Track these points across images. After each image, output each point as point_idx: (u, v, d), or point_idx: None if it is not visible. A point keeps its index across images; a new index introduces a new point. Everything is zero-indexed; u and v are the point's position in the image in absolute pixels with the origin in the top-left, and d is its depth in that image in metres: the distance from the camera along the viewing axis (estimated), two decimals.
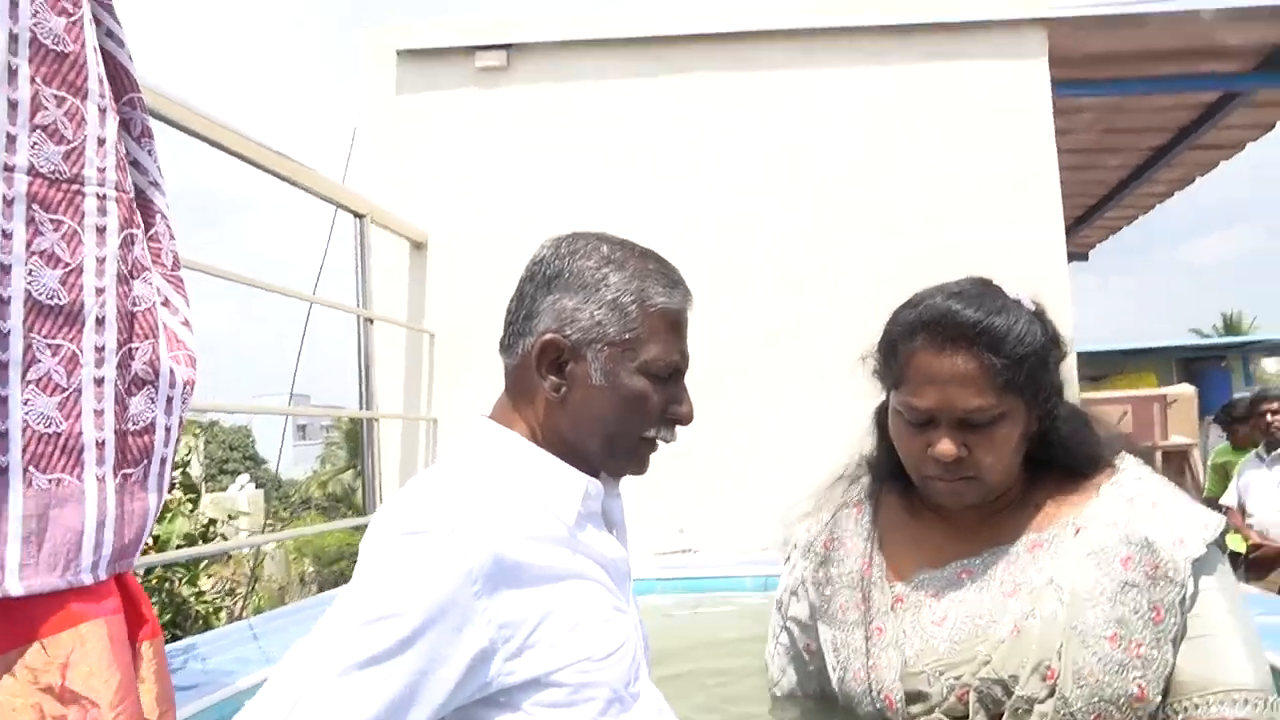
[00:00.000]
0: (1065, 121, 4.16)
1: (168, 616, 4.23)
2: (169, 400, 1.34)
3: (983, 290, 1.31)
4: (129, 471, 1.28)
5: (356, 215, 3.16)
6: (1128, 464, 1.38)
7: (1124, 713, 1.19)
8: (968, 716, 1.26)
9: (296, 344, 3.23)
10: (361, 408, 3.10)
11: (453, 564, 0.96)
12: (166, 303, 1.38)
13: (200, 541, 4.50)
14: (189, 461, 4.48)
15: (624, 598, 1.15)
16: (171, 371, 1.35)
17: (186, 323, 1.41)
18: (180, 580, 4.42)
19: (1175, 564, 1.23)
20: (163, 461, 1.33)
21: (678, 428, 1.15)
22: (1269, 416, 4.70)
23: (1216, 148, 5.49)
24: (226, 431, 28.50)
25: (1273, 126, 5.15)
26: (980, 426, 1.26)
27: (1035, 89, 3.61)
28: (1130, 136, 5.25)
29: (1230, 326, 28.08)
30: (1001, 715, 1.24)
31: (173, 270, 1.40)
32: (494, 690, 0.98)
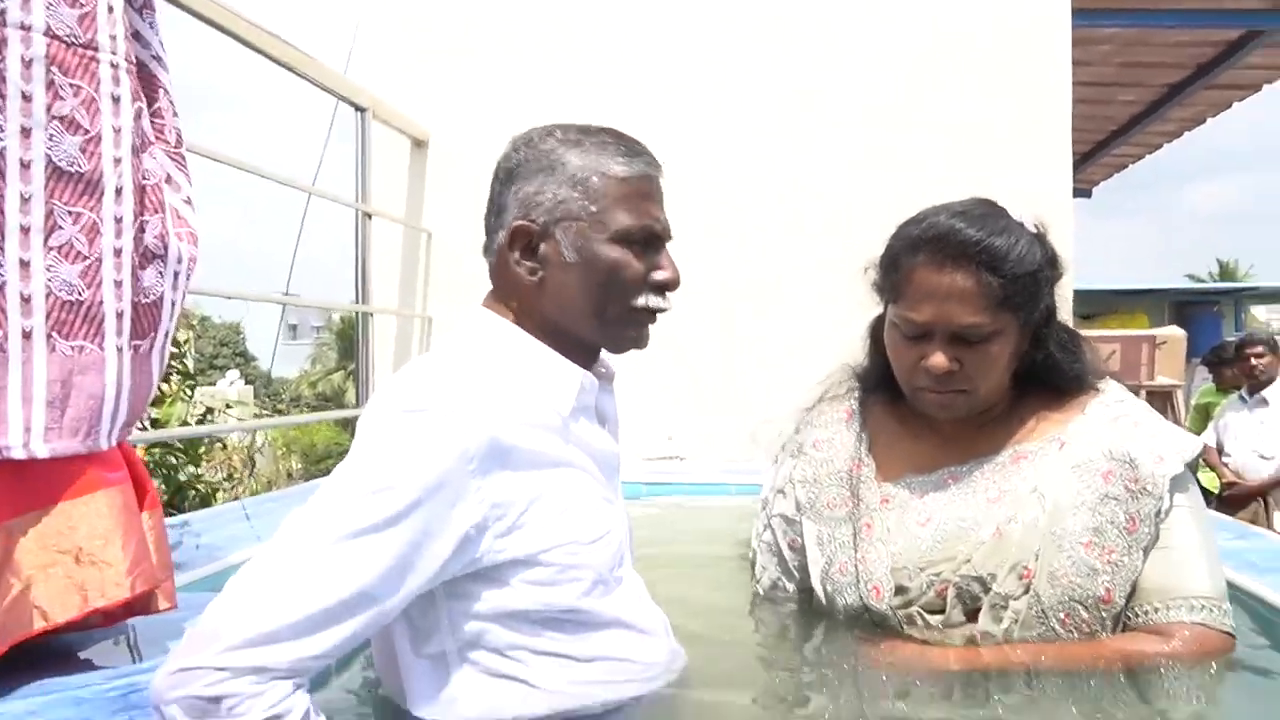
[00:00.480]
0: (1082, 53, 4.09)
1: (166, 497, 4.29)
2: (175, 275, 1.36)
3: (986, 210, 1.33)
4: (138, 343, 1.30)
5: (358, 109, 3.11)
6: (1111, 386, 1.44)
7: (1091, 613, 1.27)
8: (944, 610, 1.32)
9: (292, 248, 3.21)
10: (357, 302, 3.10)
11: (450, 442, 0.98)
12: (169, 179, 1.37)
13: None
14: (186, 351, 4.48)
15: (612, 490, 1.19)
16: (179, 248, 1.35)
17: (189, 201, 1.41)
18: (180, 463, 4.47)
19: (1155, 479, 1.30)
20: (166, 335, 1.35)
21: (669, 296, 1.15)
22: (1253, 360, 4.78)
23: (1233, 88, 5.42)
24: (217, 327, 28.45)
25: None
26: (973, 342, 1.30)
27: (1055, 17, 3.54)
28: (1147, 71, 5.18)
29: (1225, 273, 28.17)
30: (977, 611, 1.30)
31: (175, 148, 1.39)
32: (484, 565, 1.02)
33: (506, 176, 1.14)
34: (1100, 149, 6.73)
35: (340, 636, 0.93)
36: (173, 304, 1.36)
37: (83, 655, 1.24)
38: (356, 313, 3.13)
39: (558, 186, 1.10)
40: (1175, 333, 7.72)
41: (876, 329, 1.49)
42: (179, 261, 1.34)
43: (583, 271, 1.10)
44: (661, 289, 1.14)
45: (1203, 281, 24.65)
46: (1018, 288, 1.28)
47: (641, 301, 1.12)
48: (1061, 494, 1.31)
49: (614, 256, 1.10)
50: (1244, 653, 1.30)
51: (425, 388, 1.04)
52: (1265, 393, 4.75)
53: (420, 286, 3.61)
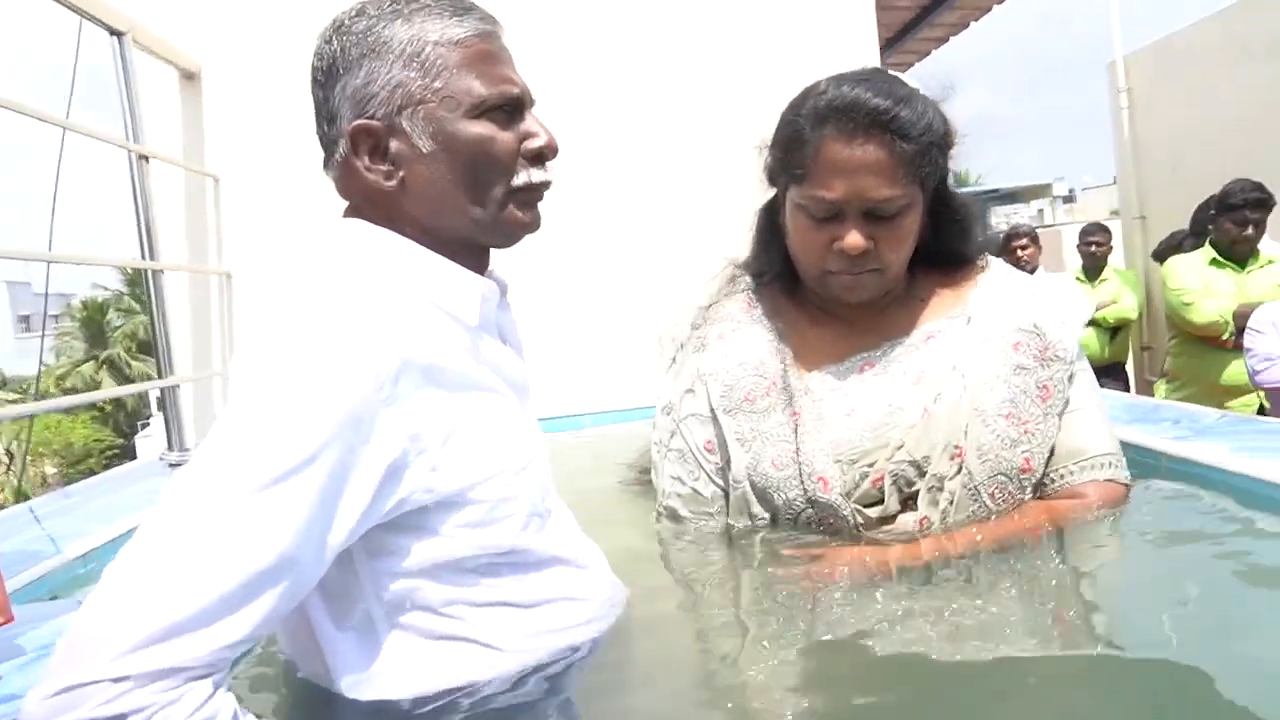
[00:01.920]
0: None
1: None
2: None
3: (888, 78, 1.27)
4: None
5: (114, 33, 2.65)
6: (991, 260, 1.46)
7: (1015, 484, 1.28)
8: (881, 502, 1.29)
9: (49, 201, 2.69)
10: (144, 258, 2.68)
11: (356, 369, 0.83)
12: None
13: None
14: None
15: (529, 412, 1.07)
16: None
17: None
18: None
19: (1064, 344, 1.33)
20: None
21: (549, 165, 1.01)
22: (1019, 252, 5.26)
23: None
24: None
25: None
26: (886, 218, 1.25)
27: None
28: None
29: (960, 181, 30.82)
30: (912, 498, 1.29)
31: None
32: (407, 510, 0.88)
33: (327, 75, 0.97)
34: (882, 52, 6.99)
35: (259, 615, 0.76)
36: None
37: None
38: (144, 271, 2.71)
39: (389, 70, 0.94)
40: None
41: (768, 217, 1.42)
42: None
43: (446, 159, 0.95)
44: (539, 158, 1.00)
45: None
46: (928, 156, 1.24)
47: (522, 178, 0.98)
48: (977, 368, 1.31)
49: (477, 132, 0.95)
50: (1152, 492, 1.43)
51: (313, 309, 0.87)
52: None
53: (213, 239, 3.19)
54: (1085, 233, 5.63)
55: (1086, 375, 1.36)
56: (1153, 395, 5.82)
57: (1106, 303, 5.39)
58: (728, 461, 1.37)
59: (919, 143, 1.22)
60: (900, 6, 5.83)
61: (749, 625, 1.17)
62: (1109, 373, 5.43)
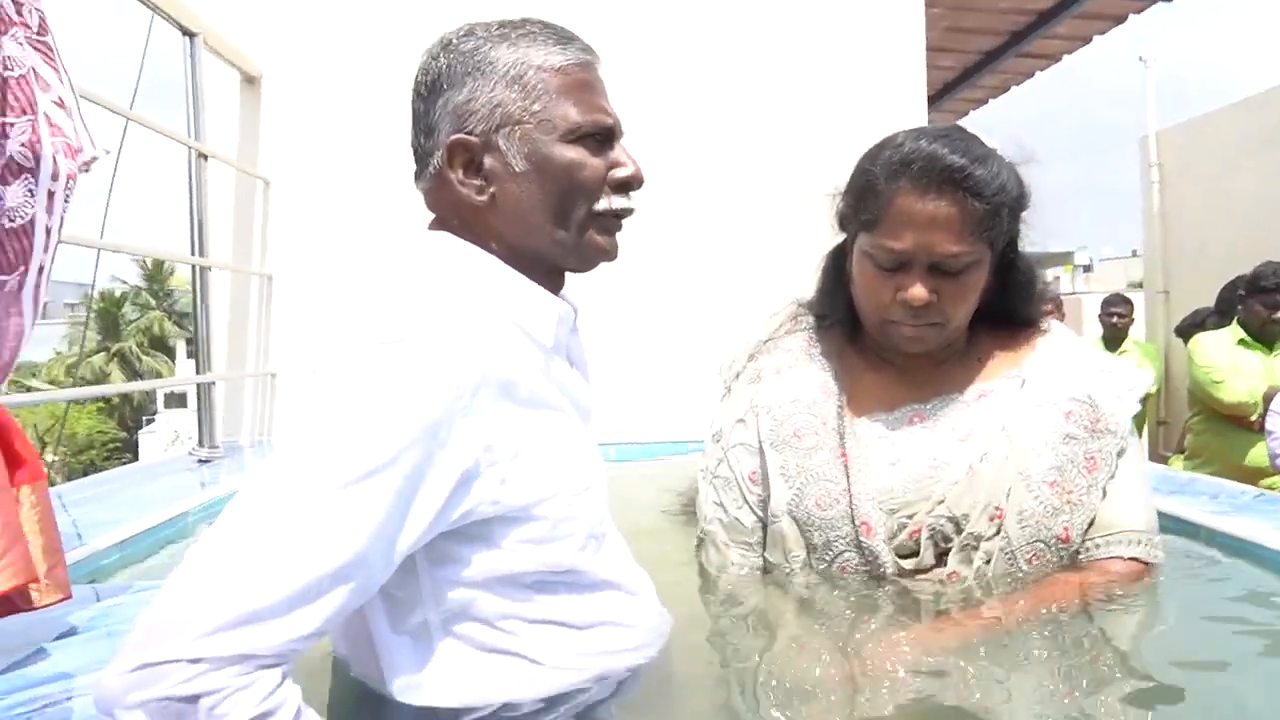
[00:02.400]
0: None
1: None
2: (50, 195, 1.10)
3: (966, 136, 1.29)
4: (4, 279, 1.04)
5: (187, 33, 2.71)
6: (1054, 325, 1.45)
7: (1052, 551, 1.28)
8: (916, 554, 1.30)
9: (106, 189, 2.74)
10: (194, 254, 2.72)
11: (439, 377, 0.85)
12: (36, 75, 1.10)
13: None
14: None
15: (592, 436, 1.08)
16: (54, 160, 1.09)
17: (61, 103, 1.14)
18: None
19: (1117, 418, 1.33)
20: (40, 270, 1.09)
21: (633, 195, 1.04)
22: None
23: (1038, 57, 5.78)
24: None
25: (1089, 40, 5.47)
26: (951, 273, 1.26)
27: None
28: (968, 37, 5.42)
29: None
30: (948, 552, 1.29)
31: (39, 35, 1.12)
32: (473, 520, 0.89)
33: (430, 89, 1.00)
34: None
35: (330, 609, 0.79)
36: (48, 231, 1.10)
37: None
38: (192, 267, 2.75)
39: (491, 89, 0.97)
40: None
41: (835, 261, 1.44)
42: (54, 179, 1.09)
43: (537, 179, 0.98)
44: (624, 187, 1.02)
45: None
46: (999, 216, 1.25)
47: (604, 204, 1.01)
48: (1026, 433, 1.31)
49: (569, 157, 0.98)
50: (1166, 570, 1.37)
51: (401, 318, 0.89)
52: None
53: (258, 240, 3.24)
54: (1108, 303, 5.61)
55: (1134, 449, 1.36)
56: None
57: None
58: (770, 495, 1.37)
59: (990, 202, 1.23)
60: (943, 66, 5.90)
61: (784, 663, 1.17)
62: None
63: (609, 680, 1.00)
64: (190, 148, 2.69)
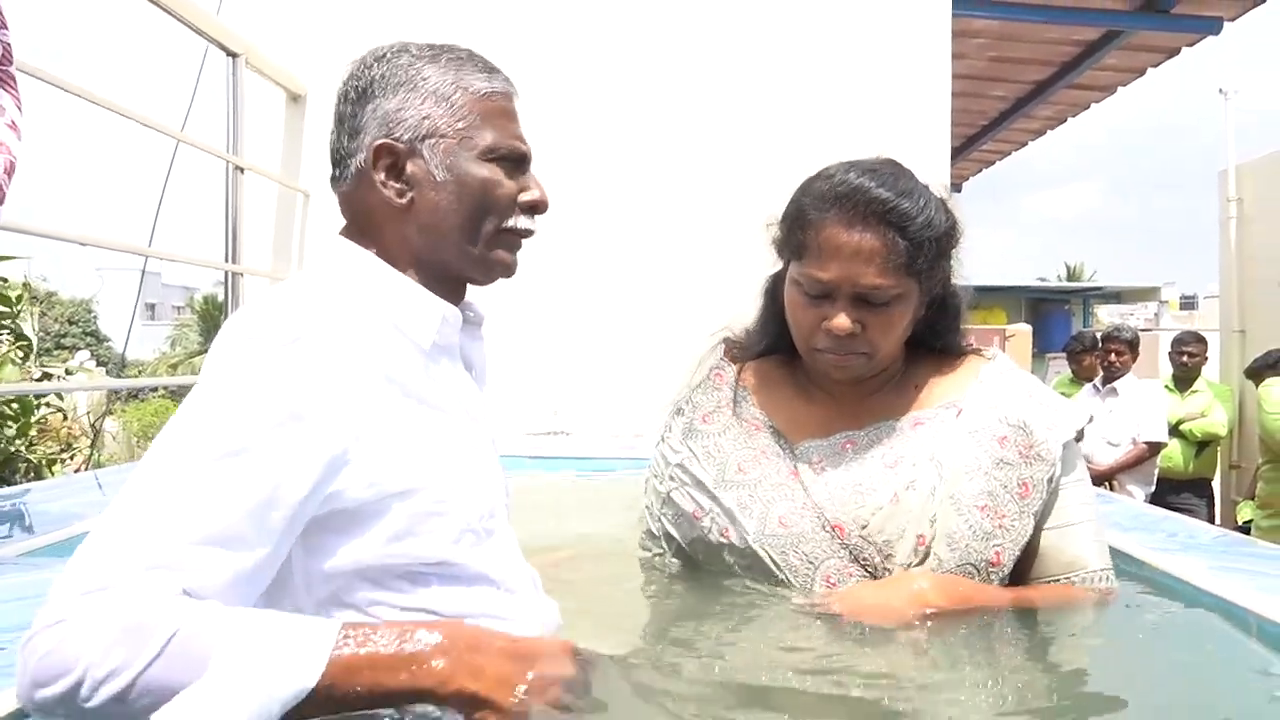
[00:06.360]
0: (958, 45, 4.23)
1: None
2: None
3: (895, 170, 1.31)
4: None
5: (230, 54, 2.92)
6: (999, 355, 1.47)
7: (983, 576, 1.28)
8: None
9: (155, 202, 2.98)
10: (227, 261, 2.92)
11: (314, 369, 0.93)
12: None
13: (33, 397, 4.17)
14: (19, 311, 4.03)
15: (483, 437, 1.13)
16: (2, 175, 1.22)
17: (14, 125, 1.27)
18: (14, 429, 4.02)
19: (1048, 446, 1.33)
20: None
21: (537, 219, 1.12)
22: (1112, 355, 5.04)
23: (1091, 88, 5.72)
24: (65, 304, 26.64)
25: (1143, 72, 5.39)
26: (876, 305, 1.28)
27: (936, 6, 3.63)
28: (1017, 67, 5.41)
29: (1072, 275, 30.03)
30: (874, 576, 1.29)
31: (1, 64, 1.25)
32: (343, 506, 0.94)
33: (360, 95, 1.08)
34: (971, 143, 7.00)
35: (198, 577, 0.84)
36: None
37: None
38: (226, 272, 2.95)
39: (421, 102, 1.05)
40: (1023, 328, 8.36)
41: (774, 287, 1.45)
42: None
43: (456, 190, 1.06)
44: (532, 210, 1.11)
45: (1045, 280, 26.22)
46: (923, 251, 1.27)
47: (512, 222, 1.09)
48: (957, 459, 1.32)
49: (485, 175, 1.07)
50: (1123, 598, 1.38)
51: (284, 315, 0.96)
52: (1116, 384, 5.02)
53: (295, 250, 3.43)
54: (1178, 341, 5.40)
55: (1085, 487, 1.37)
56: (1235, 515, 5.59)
57: (1195, 415, 5.15)
58: (733, 528, 1.37)
59: (915, 238, 1.25)
60: (995, 96, 5.89)
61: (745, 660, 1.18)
62: (1193, 488, 5.22)
63: None
64: (228, 161, 2.89)
